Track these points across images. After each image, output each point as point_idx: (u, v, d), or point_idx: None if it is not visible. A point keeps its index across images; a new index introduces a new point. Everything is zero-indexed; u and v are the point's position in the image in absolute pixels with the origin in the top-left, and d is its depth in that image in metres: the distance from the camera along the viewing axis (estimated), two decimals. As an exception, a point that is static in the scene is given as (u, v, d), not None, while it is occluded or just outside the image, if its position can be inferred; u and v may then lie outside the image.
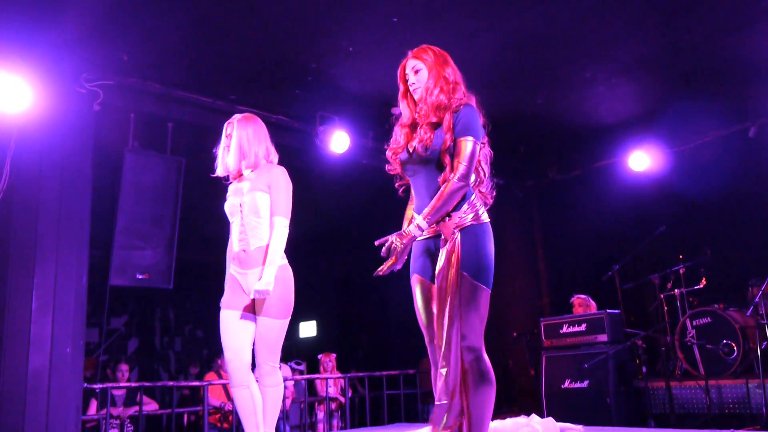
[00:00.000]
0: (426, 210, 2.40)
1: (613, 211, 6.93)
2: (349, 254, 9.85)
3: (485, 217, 2.48)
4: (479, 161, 2.57)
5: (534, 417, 4.18)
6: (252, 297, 2.98)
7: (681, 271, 5.98)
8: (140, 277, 5.04)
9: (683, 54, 5.36)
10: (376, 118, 6.16)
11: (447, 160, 2.43)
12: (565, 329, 5.68)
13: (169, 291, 5.32)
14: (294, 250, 3.20)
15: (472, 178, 2.48)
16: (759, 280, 5.37)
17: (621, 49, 5.26)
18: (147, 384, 5.90)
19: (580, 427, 4.42)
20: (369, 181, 6.93)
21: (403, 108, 2.66)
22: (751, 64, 5.48)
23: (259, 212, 3.12)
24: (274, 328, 3.00)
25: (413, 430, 4.73)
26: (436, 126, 2.48)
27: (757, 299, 5.16)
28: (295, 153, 6.01)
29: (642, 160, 6.79)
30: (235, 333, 3.04)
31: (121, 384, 6.19)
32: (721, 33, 5.07)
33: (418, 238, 2.50)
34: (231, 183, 3.33)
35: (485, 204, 2.56)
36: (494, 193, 2.65)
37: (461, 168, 2.39)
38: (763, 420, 4.67)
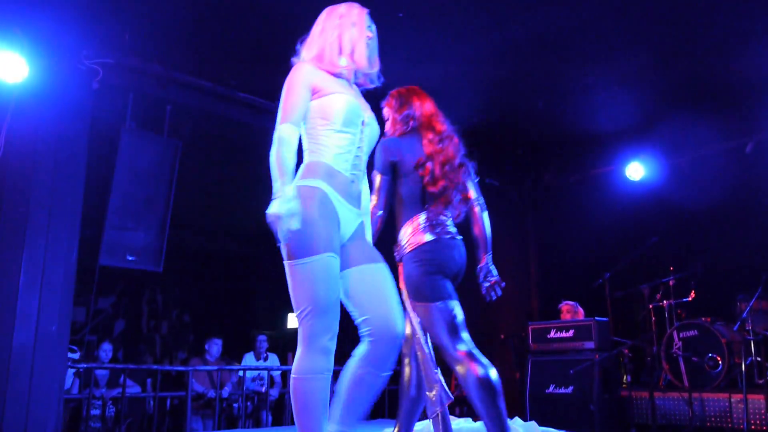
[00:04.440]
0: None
1: (608, 219, 6.94)
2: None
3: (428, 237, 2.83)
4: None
5: (517, 420, 4.19)
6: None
7: (671, 283, 6.00)
8: (130, 258, 5.01)
9: (684, 67, 5.38)
10: (373, 109, 6.14)
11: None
12: (552, 334, 5.68)
13: (158, 274, 5.28)
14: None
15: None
16: (747, 296, 5.40)
17: (623, 58, 5.26)
18: (131, 366, 5.88)
19: (562, 432, 4.43)
20: (365, 175, 6.91)
21: None
22: (751, 80, 5.50)
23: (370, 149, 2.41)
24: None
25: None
26: None
27: (744, 315, 5.19)
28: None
29: (638, 170, 6.80)
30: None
31: (106, 365, 6.16)
32: (722, 48, 5.09)
33: None
34: (335, 77, 2.34)
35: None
36: None
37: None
38: (744, 435, 4.69)
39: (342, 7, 2.41)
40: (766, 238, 5.91)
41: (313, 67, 2.27)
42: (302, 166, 2.21)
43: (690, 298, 5.91)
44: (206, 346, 6.92)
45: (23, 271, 4.24)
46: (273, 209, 1.97)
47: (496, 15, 4.64)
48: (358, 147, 2.25)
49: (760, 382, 5.11)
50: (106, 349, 6.65)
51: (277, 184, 2.03)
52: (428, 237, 2.72)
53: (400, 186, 2.83)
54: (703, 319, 5.59)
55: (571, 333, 5.58)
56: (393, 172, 2.82)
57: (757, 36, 4.87)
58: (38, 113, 4.45)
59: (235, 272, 10.86)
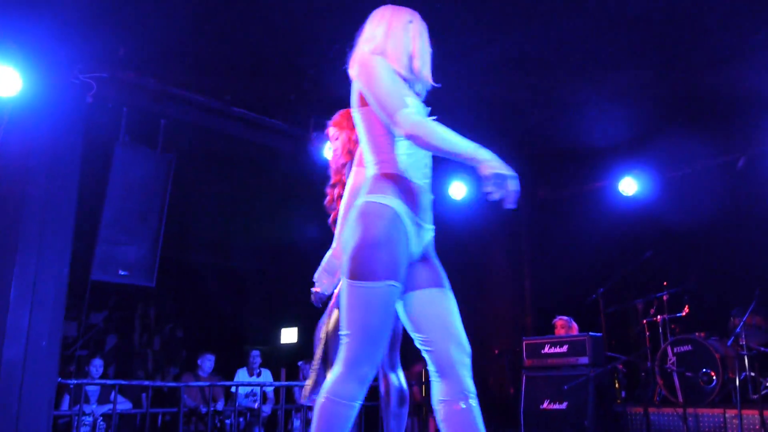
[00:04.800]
0: None
1: (601, 234, 6.96)
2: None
3: None
4: None
5: (511, 436, 4.17)
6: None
7: (664, 298, 6.00)
8: (123, 273, 4.98)
9: (676, 83, 5.43)
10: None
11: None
12: (546, 350, 5.67)
13: (151, 288, 5.25)
14: (279, 255, 3.15)
15: None
16: (741, 311, 5.41)
17: (615, 75, 5.31)
18: (122, 382, 5.82)
19: (556, 448, 4.40)
20: (359, 189, 6.91)
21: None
22: (741, 97, 5.55)
23: None
24: None
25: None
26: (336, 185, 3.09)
27: (738, 330, 5.19)
28: (288, 158, 6.00)
29: (632, 185, 6.84)
30: None
31: (96, 381, 6.10)
32: (713, 65, 5.14)
33: None
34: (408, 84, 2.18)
35: None
36: None
37: None
38: (739, 451, 4.67)
39: (407, 13, 2.25)
40: (758, 252, 5.93)
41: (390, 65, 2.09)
42: (370, 179, 2.04)
43: (684, 313, 5.91)
44: (198, 362, 6.87)
45: (14, 285, 4.21)
46: (498, 169, 1.80)
47: (491, 31, 4.67)
48: (425, 153, 2.09)
49: (755, 397, 5.10)
50: (97, 365, 6.59)
51: (470, 151, 1.85)
52: None
53: None
54: (697, 334, 5.58)
55: (565, 348, 5.56)
56: None
57: (748, 53, 4.93)
58: (32, 127, 4.44)
59: (228, 287, 10.80)
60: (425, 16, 2.34)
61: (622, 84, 5.45)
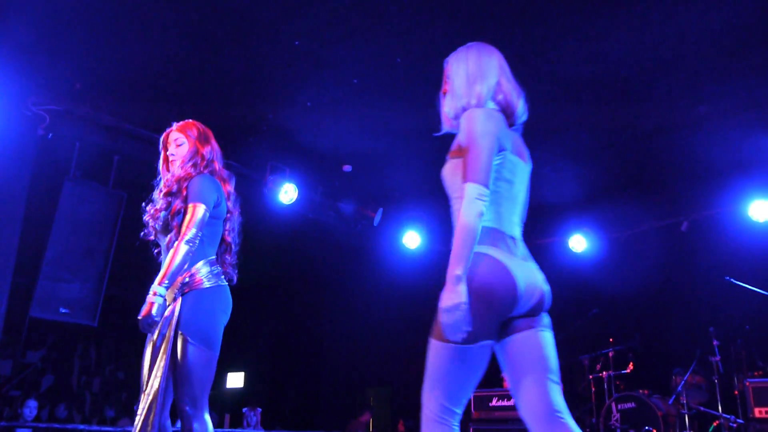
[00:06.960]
0: (159, 276, 2.41)
1: (551, 289, 7.05)
2: (284, 306, 9.68)
3: (221, 282, 2.56)
4: (227, 231, 2.69)
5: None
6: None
7: (610, 354, 6.09)
8: (64, 311, 4.82)
9: (626, 147, 5.66)
10: (327, 174, 6.19)
11: (174, 224, 2.52)
12: (494, 402, 5.66)
13: (92, 328, 5.09)
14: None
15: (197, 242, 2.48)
16: (682, 370, 5.53)
17: (569, 136, 5.49)
18: (56, 425, 5.57)
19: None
20: (313, 235, 6.90)
21: (164, 175, 2.75)
22: (685, 164, 5.81)
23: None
24: None
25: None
26: (175, 195, 2.57)
27: (679, 388, 5.29)
28: (242, 200, 5.96)
29: (581, 242, 7.00)
30: None
31: (28, 424, 5.81)
32: (659, 133, 5.39)
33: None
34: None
35: (228, 273, 2.64)
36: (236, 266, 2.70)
37: (188, 232, 2.44)
38: None
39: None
40: (700, 313, 6.09)
41: None
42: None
43: (628, 370, 6.01)
44: (135, 408, 6.63)
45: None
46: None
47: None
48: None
49: (695, 456, 5.17)
50: (31, 406, 6.30)
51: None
52: (222, 281, 2.62)
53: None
54: (640, 391, 5.66)
55: (513, 401, 5.55)
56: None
57: (691, 123, 5.19)
58: (-23, 157, 4.33)
59: (175, 328, 10.51)
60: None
61: (576, 145, 5.64)
